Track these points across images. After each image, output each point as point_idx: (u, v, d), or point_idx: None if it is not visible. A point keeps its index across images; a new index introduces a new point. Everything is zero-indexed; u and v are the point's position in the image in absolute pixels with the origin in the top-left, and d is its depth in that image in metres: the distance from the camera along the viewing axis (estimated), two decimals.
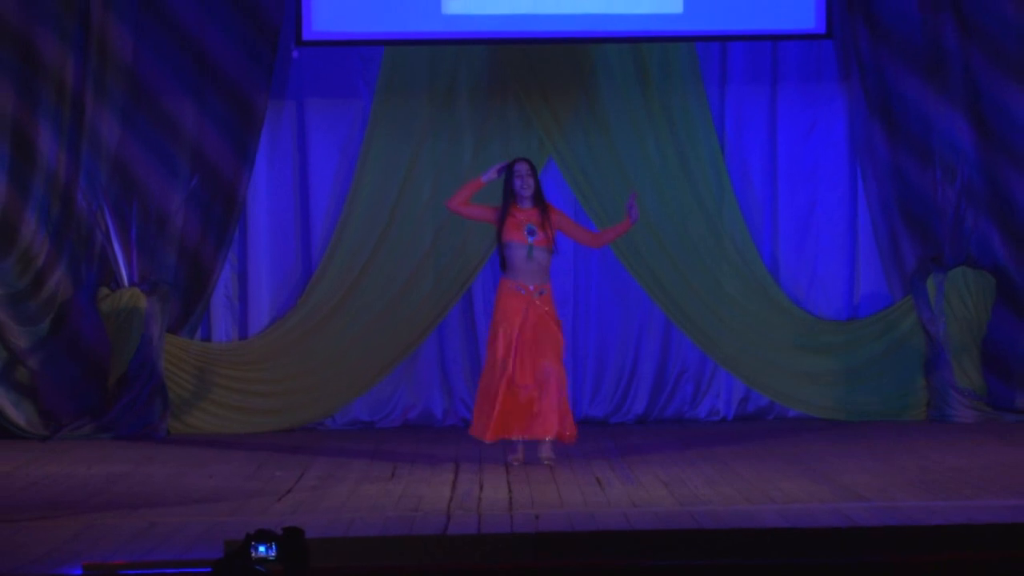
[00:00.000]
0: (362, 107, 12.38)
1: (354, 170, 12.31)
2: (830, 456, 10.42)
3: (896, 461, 10.21)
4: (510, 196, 9.87)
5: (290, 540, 4.40)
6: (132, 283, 12.01)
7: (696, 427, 12.25)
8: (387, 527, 7.91)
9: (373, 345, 12.28)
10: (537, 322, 9.83)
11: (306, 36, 11.88)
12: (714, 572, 6.58)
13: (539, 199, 9.91)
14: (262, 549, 4.37)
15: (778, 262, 12.57)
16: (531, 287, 9.85)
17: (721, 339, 12.42)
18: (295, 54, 12.11)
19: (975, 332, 12.21)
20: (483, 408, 9.95)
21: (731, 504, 8.64)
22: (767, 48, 12.44)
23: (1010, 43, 12.21)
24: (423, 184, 12.31)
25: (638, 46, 12.24)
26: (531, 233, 9.78)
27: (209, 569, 4.24)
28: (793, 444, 11.03)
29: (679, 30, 12.02)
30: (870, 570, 6.63)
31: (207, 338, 12.43)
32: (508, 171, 9.89)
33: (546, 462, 9.87)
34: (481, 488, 9.27)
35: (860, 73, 12.30)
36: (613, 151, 12.19)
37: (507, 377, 9.81)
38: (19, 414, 11.91)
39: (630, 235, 11.00)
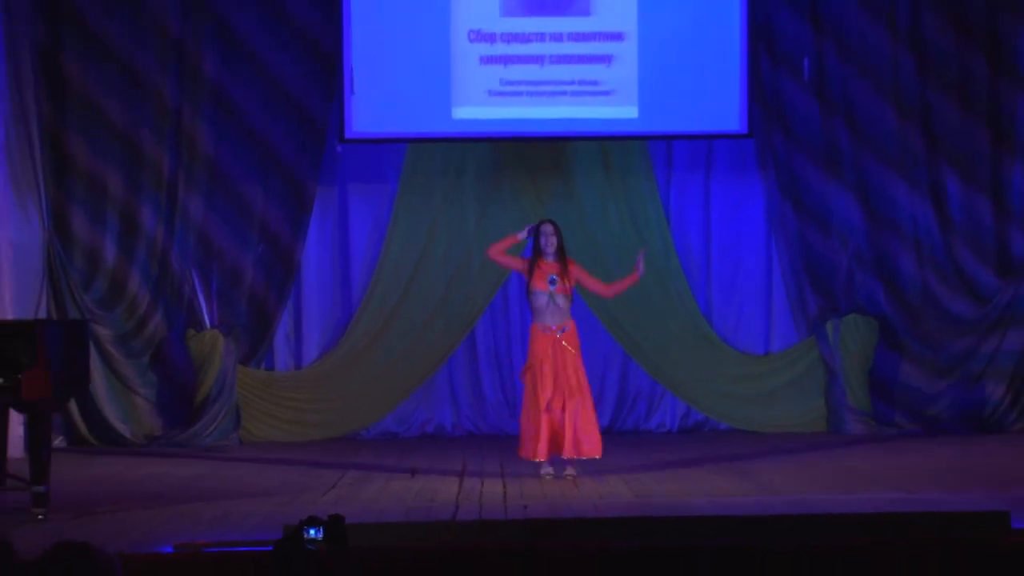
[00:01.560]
0: (390, 190, 12.36)
1: (384, 239, 12.30)
2: (751, 459, 10.41)
3: (803, 464, 10.20)
4: (537, 251, 9.46)
5: (333, 525, 4.38)
6: (213, 326, 12.00)
7: (648, 437, 12.22)
8: (408, 515, 7.90)
9: (398, 373, 12.25)
10: (563, 358, 9.33)
11: (348, 135, 11.92)
12: (662, 549, 6.55)
13: (561, 254, 9.44)
14: (312, 532, 4.35)
15: (712, 309, 12.56)
16: (554, 327, 9.34)
17: (668, 368, 12.40)
18: (339, 149, 12.13)
19: (863, 364, 12.20)
20: (529, 433, 9.37)
21: (675, 496, 8.64)
22: (703, 144, 12.46)
23: (890, 143, 12.26)
24: (438, 249, 12.31)
25: (602, 142, 12.26)
26: (552, 283, 9.34)
27: (270, 547, 4.21)
28: (723, 450, 11.01)
29: (634, 131, 12.05)
30: (783, 549, 6.61)
31: (271, 368, 12.41)
32: (536, 231, 9.49)
33: (568, 477, 9.35)
34: (482, 484, 9.24)
35: (775, 165, 12.33)
36: (583, 222, 12.17)
37: (541, 406, 9.27)
38: (125, 428, 11.91)
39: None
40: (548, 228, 9.47)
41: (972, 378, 12.22)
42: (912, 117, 12.27)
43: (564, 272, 9.41)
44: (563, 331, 9.37)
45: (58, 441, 11.43)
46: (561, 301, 9.38)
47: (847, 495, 8.56)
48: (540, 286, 9.39)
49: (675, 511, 7.97)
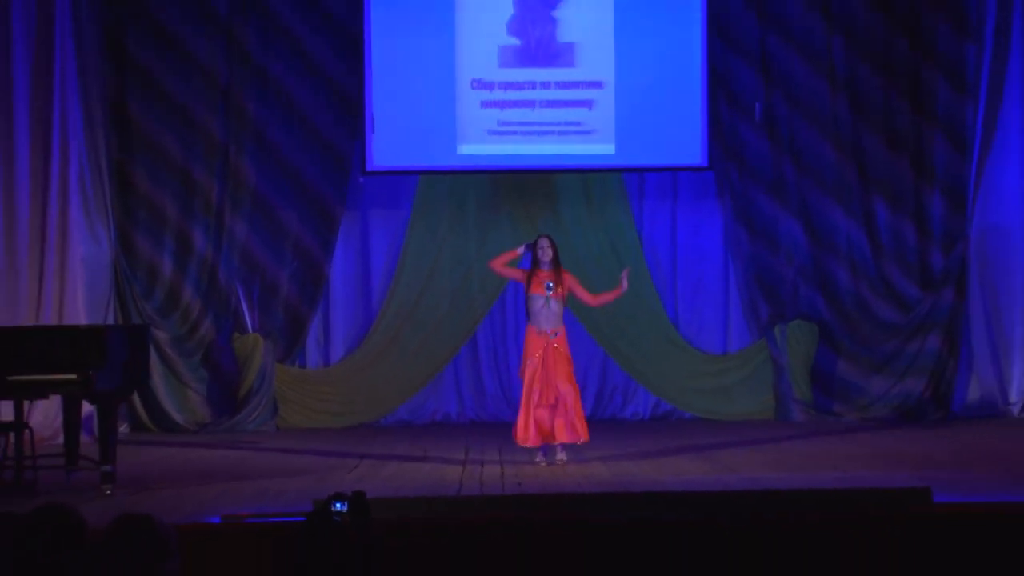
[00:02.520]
0: (404, 215, 12.34)
1: (399, 256, 12.30)
2: (712, 443, 10.38)
3: (755, 446, 10.18)
4: (534, 262, 9.24)
5: (356, 499, 4.37)
6: (254, 330, 11.98)
7: (624, 425, 12.20)
8: (420, 490, 7.90)
9: (411, 370, 12.22)
10: (554, 357, 9.09)
11: (368, 168, 11.93)
12: (633, 521, 6.54)
13: (556, 264, 9.21)
14: (338, 505, 4.34)
15: (678, 316, 12.55)
16: (548, 330, 9.10)
17: (640, 366, 12.38)
18: (361, 180, 12.13)
19: (805, 362, 12.19)
20: (521, 421, 9.12)
21: (647, 475, 8.64)
22: (670, 176, 12.45)
23: (828, 175, 12.26)
24: (444, 267, 12.29)
25: (585, 175, 12.26)
26: (548, 288, 9.10)
27: (303, 518, 4.21)
28: (687, 436, 10.99)
29: (611, 164, 12.06)
30: (737, 518, 6.60)
31: (303, 365, 12.38)
32: (534, 244, 9.30)
33: (559, 462, 9.11)
34: (483, 465, 9.24)
35: (731, 193, 12.33)
36: (569, 243, 12.05)
37: (534, 399, 9.07)
38: (179, 415, 11.88)
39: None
40: (545, 242, 9.29)
41: (899, 374, 12.21)
42: (847, 153, 12.28)
43: (559, 280, 9.20)
44: (555, 335, 9.17)
45: (123, 428, 11.41)
46: (555, 306, 9.17)
47: (792, 474, 8.56)
48: (538, 291, 9.16)
49: (647, 488, 7.96)
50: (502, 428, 11.28)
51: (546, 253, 9.24)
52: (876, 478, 8.19)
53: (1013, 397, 12.16)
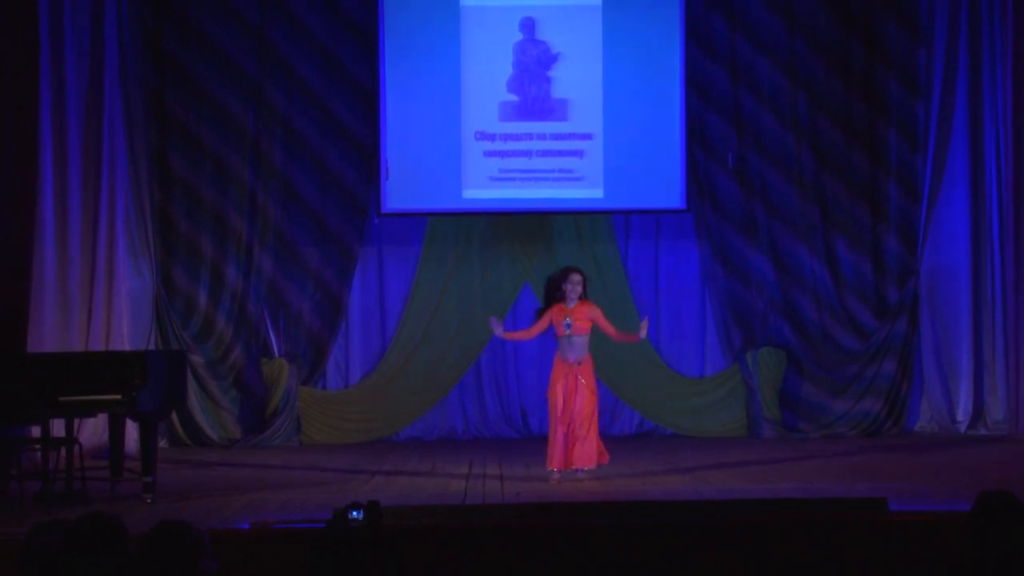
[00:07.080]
0: (415, 252, 12.37)
1: (410, 289, 12.31)
2: (690, 457, 10.40)
3: (729, 460, 10.17)
4: (561, 297, 8.87)
5: (371, 508, 4.37)
6: (280, 355, 11.99)
7: (611, 441, 12.07)
8: (428, 499, 7.90)
9: (421, 391, 12.21)
10: (577, 384, 8.82)
11: (383, 211, 11.96)
12: (620, 527, 6.54)
13: (580, 299, 8.87)
14: (355, 514, 4.34)
15: (660, 343, 12.53)
16: (571, 359, 8.85)
17: (626, 388, 12.36)
18: (376, 221, 12.16)
19: (774, 384, 12.18)
20: (551, 442, 8.89)
21: (632, 487, 8.63)
22: (653, 218, 12.47)
23: (795, 217, 12.30)
24: (451, 298, 12.30)
25: (576, 217, 12.29)
26: (568, 326, 8.78)
27: (323, 525, 4.21)
28: (668, 451, 10.99)
29: (600, 207, 12.08)
30: (713, 525, 6.60)
31: (324, 387, 12.38)
32: (562, 278, 8.94)
33: (582, 477, 8.83)
34: (485, 476, 9.23)
35: (707, 233, 12.35)
36: None
37: (562, 425, 8.81)
38: (212, 432, 11.88)
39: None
40: (576, 277, 8.94)
41: (858, 396, 12.20)
42: (811, 197, 12.31)
43: (581, 314, 8.85)
44: (579, 364, 8.91)
45: (162, 443, 11.41)
46: (577, 340, 8.87)
47: (762, 485, 8.56)
48: (560, 331, 8.92)
49: (631, 496, 7.96)
50: (503, 444, 11.33)
51: (575, 290, 8.88)
52: (837, 488, 8.19)
53: (959, 416, 12.16)
